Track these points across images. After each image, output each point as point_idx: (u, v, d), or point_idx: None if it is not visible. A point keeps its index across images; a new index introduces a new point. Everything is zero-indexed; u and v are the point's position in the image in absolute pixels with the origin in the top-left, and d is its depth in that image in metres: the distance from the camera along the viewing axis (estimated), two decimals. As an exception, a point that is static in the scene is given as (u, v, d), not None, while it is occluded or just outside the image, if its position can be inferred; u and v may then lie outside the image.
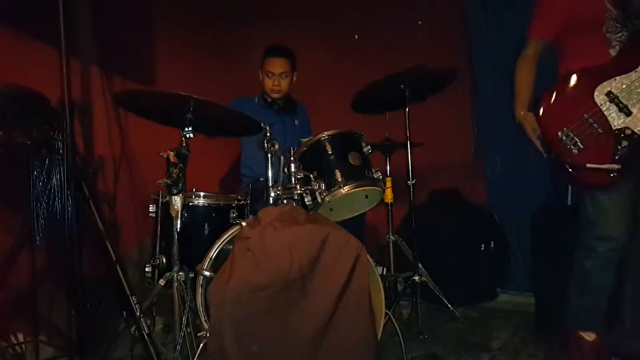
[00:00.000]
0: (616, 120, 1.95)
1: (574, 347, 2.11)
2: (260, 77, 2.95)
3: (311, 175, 2.20)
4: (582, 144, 1.95)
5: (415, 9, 3.61)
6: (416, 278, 2.61)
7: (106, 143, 2.82)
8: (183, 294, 1.97)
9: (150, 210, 2.29)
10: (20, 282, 2.26)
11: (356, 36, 3.81)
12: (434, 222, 3.15)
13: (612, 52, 2.00)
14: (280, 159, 2.20)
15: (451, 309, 2.73)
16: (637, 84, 1.95)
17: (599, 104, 1.96)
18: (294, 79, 2.95)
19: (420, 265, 2.68)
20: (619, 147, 1.92)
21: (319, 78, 3.56)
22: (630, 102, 1.94)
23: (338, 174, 2.22)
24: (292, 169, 2.18)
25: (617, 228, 2.01)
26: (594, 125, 1.95)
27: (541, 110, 2.05)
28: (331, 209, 2.37)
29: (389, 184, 2.78)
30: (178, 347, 1.91)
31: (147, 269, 2.20)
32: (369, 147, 2.36)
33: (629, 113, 1.94)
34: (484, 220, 3.20)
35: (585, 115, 1.97)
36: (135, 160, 3.05)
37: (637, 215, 2.04)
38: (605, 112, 1.96)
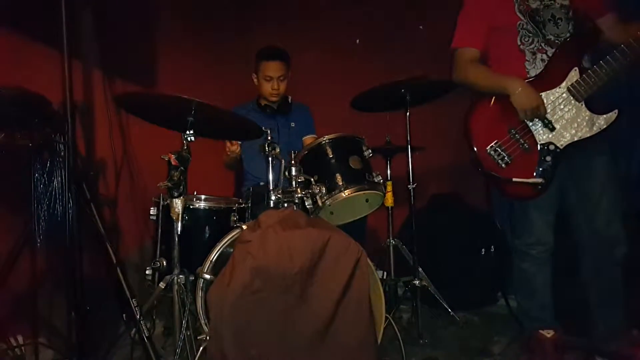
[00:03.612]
0: (541, 135, 2.04)
1: (535, 346, 2.18)
2: (256, 80, 2.93)
3: (312, 179, 2.20)
4: (509, 159, 2.04)
5: (416, 13, 3.62)
6: (416, 282, 2.60)
7: (107, 145, 2.82)
8: (183, 297, 1.97)
9: (151, 213, 2.28)
10: (21, 284, 2.26)
11: (357, 40, 3.82)
12: (434, 226, 3.14)
13: (527, 65, 2.08)
14: (281, 162, 2.20)
15: (451, 313, 2.73)
16: (560, 100, 2.02)
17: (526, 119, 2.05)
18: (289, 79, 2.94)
19: (420, 270, 2.67)
20: (543, 161, 2.02)
21: (320, 82, 3.57)
22: (555, 117, 2.03)
23: (339, 177, 2.22)
24: (293, 173, 2.18)
25: (545, 233, 2.14)
26: (521, 140, 2.04)
27: (471, 125, 2.12)
28: (332, 213, 2.37)
29: (389, 187, 2.77)
30: (178, 350, 1.91)
31: (147, 272, 2.20)
32: (370, 151, 2.36)
33: (553, 128, 2.03)
34: (484, 224, 3.20)
35: (512, 130, 2.05)
36: (137, 162, 3.05)
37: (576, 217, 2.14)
38: (531, 128, 2.05)
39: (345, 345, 1.77)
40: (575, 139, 2.01)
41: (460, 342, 2.54)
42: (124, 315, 2.17)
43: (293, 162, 2.19)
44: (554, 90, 2.03)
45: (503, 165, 2.05)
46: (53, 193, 2.19)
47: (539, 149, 2.03)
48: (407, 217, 2.91)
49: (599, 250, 2.08)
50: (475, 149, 2.09)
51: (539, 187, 2.02)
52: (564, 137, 2.01)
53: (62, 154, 2.16)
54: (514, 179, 2.02)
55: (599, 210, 2.06)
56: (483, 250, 3.05)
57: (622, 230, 2.05)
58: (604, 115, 1.99)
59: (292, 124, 2.96)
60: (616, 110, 1.99)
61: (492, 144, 2.06)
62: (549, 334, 2.16)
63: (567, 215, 2.16)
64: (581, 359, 2.20)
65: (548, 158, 2.02)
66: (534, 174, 2.02)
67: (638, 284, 2.14)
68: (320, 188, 2.18)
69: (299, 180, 2.18)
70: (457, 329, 2.69)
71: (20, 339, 2.22)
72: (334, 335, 1.76)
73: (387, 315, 2.05)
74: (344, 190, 2.20)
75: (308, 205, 2.15)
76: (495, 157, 2.05)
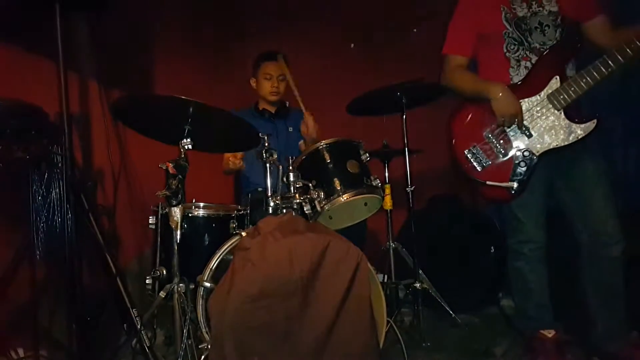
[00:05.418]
0: (518, 141, 2.08)
1: (537, 346, 2.19)
2: (254, 84, 2.97)
3: (310, 184, 2.20)
4: (486, 162, 2.09)
5: (410, 18, 3.64)
6: (417, 285, 2.61)
7: (105, 155, 2.82)
8: (184, 305, 1.97)
9: (149, 221, 2.28)
10: (21, 296, 2.25)
11: (352, 44, 3.83)
12: (434, 228, 3.15)
13: (511, 72, 2.12)
14: (278, 168, 2.20)
15: (453, 315, 2.72)
16: (538, 107, 2.06)
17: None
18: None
19: (420, 272, 2.68)
20: (518, 166, 2.06)
21: (316, 86, 3.56)
22: (532, 124, 2.06)
23: (337, 182, 2.22)
24: (291, 178, 2.18)
25: (536, 232, 2.16)
26: (497, 145, 2.09)
27: (452, 128, 2.16)
28: (330, 217, 2.36)
29: (388, 191, 2.78)
30: None
31: (147, 281, 2.19)
32: (367, 154, 2.36)
33: (530, 135, 2.07)
34: (484, 226, 3.20)
35: (490, 134, 2.09)
36: (135, 172, 3.05)
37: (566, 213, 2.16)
38: (509, 133, 2.09)
39: (347, 350, 1.77)
40: (552, 147, 2.04)
41: (462, 344, 2.53)
42: (124, 325, 2.16)
43: (291, 167, 2.19)
44: (533, 97, 2.06)
45: (479, 168, 2.10)
46: (51, 204, 2.19)
47: (515, 154, 2.07)
48: (407, 220, 2.91)
49: (596, 248, 2.07)
50: (454, 151, 2.14)
51: (513, 191, 2.06)
52: (540, 144, 2.05)
53: (60, 165, 2.17)
54: (488, 182, 2.08)
55: (592, 208, 2.07)
56: (483, 251, 3.06)
57: (619, 228, 2.05)
58: (583, 125, 2.01)
59: (290, 129, 2.99)
60: (595, 120, 2.01)
61: (470, 147, 2.11)
62: (550, 333, 2.16)
63: (563, 215, 2.16)
64: (583, 359, 2.19)
65: (523, 164, 2.05)
66: (509, 178, 2.06)
67: (637, 285, 2.13)
68: (318, 193, 2.18)
69: (297, 185, 2.18)
70: (459, 331, 2.68)
71: (21, 351, 2.21)
72: (336, 340, 1.76)
73: (389, 319, 2.04)
74: (343, 194, 2.19)
75: (307, 210, 2.15)
76: (473, 160, 2.10)
